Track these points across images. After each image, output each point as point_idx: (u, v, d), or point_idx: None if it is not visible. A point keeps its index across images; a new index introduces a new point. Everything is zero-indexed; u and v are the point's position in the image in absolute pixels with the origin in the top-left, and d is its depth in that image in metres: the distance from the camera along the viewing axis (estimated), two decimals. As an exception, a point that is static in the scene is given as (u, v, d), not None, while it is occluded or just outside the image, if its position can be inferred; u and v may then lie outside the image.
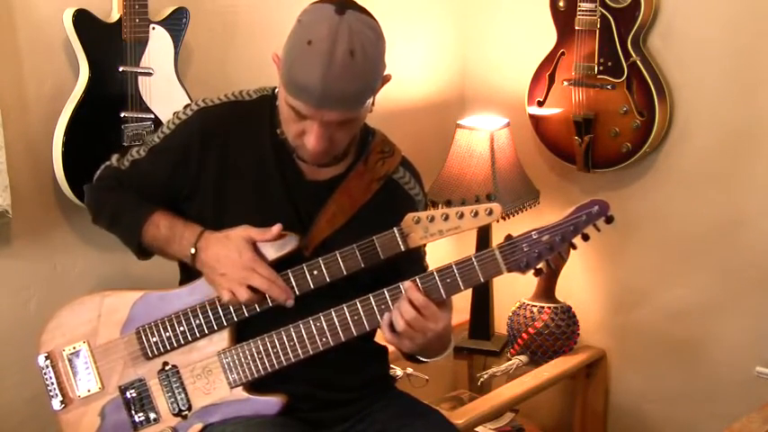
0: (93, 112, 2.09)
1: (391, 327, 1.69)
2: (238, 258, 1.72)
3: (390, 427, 1.85)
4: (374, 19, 1.69)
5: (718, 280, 2.65)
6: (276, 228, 1.73)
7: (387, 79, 1.73)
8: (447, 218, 1.71)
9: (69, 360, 1.85)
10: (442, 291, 1.68)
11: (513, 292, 2.89)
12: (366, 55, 1.62)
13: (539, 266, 1.67)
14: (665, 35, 2.60)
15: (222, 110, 1.83)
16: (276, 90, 1.83)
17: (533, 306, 2.78)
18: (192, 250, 1.77)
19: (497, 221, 2.62)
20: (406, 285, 1.69)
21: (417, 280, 1.69)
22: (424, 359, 1.87)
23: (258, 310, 1.76)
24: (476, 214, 1.69)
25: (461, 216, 1.70)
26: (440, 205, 1.80)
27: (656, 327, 2.79)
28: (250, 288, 1.72)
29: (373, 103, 1.73)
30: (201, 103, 1.84)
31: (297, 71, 1.62)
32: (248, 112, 1.83)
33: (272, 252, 1.75)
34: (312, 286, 1.74)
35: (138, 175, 1.87)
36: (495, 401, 2.58)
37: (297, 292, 1.74)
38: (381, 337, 1.99)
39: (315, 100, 1.62)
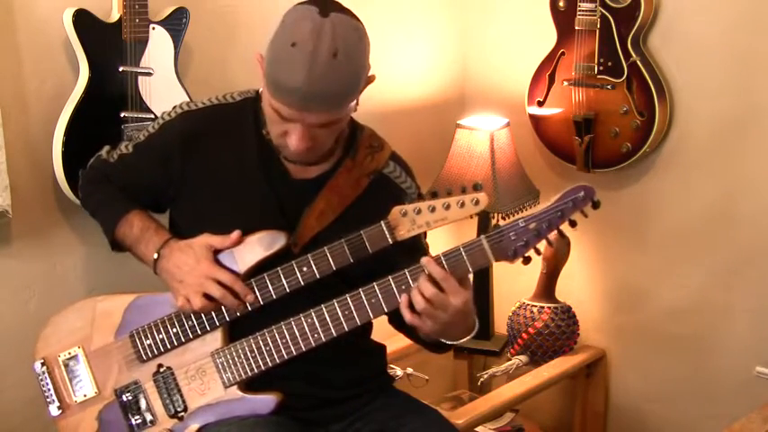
0: (93, 112, 2.09)
1: (411, 307, 1.66)
2: (196, 266, 1.73)
3: (388, 426, 1.85)
4: (358, 20, 1.69)
5: (718, 280, 2.64)
6: (235, 234, 1.74)
7: (371, 80, 1.73)
8: (434, 209, 1.70)
9: (65, 366, 1.86)
10: (468, 264, 1.65)
11: (513, 292, 2.89)
12: (349, 57, 1.62)
13: (527, 255, 1.66)
14: (665, 35, 2.60)
15: (204, 113, 1.85)
16: (259, 91, 1.83)
17: (533, 306, 2.78)
18: (155, 256, 1.78)
19: (496, 221, 2.65)
20: (425, 261, 1.66)
21: (441, 256, 1.66)
22: (449, 342, 1.79)
23: (250, 308, 1.75)
24: (462, 205, 1.68)
25: (448, 207, 1.69)
26: (424, 195, 1.76)
27: (656, 326, 2.79)
28: (206, 296, 1.72)
29: (357, 103, 1.73)
30: (185, 107, 1.87)
31: (280, 73, 1.63)
32: (231, 114, 1.85)
33: (260, 251, 1.75)
34: (302, 283, 1.74)
35: (124, 169, 1.90)
36: (496, 401, 2.59)
37: (287, 290, 1.74)
38: (379, 336, 2.00)
39: (297, 102, 1.63)
